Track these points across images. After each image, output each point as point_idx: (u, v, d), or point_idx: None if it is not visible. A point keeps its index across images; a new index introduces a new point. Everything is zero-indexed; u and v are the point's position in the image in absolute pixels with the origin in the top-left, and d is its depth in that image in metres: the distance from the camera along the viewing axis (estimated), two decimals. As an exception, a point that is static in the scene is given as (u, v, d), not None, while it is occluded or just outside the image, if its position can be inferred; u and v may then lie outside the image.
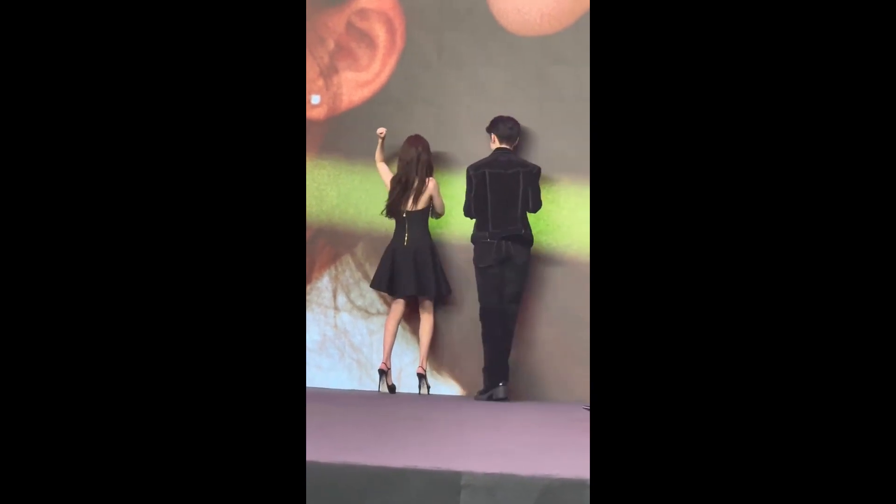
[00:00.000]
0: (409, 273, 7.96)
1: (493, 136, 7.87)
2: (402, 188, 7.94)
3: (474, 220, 7.84)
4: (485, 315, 7.81)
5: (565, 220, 7.96)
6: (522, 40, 8.12)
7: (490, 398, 7.65)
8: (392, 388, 8.06)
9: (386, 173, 8.05)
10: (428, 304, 8.07)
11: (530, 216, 7.80)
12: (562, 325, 7.95)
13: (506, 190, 7.73)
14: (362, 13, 8.40)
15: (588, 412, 7.34)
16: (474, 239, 7.81)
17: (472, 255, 7.93)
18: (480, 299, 7.83)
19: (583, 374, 7.71)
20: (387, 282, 8.02)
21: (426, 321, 8.07)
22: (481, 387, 7.81)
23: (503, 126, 7.82)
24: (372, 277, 8.16)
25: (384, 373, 8.03)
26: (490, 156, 7.84)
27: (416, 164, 7.93)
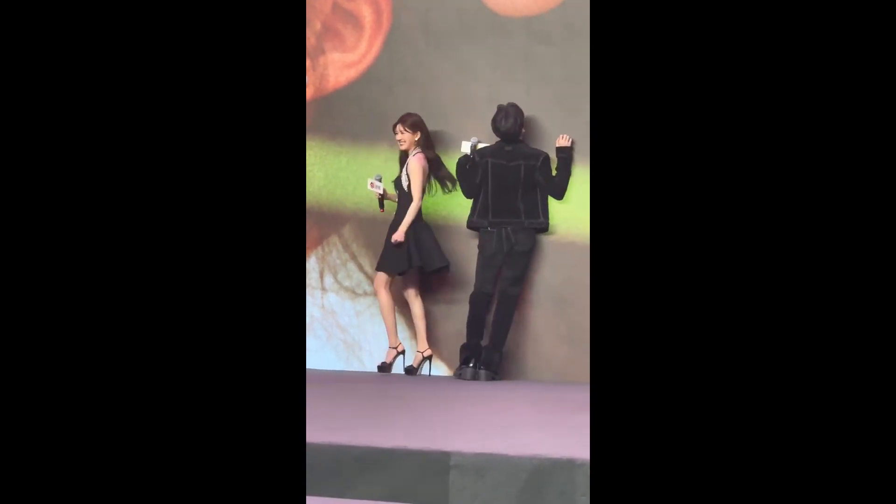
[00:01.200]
0: (433, 247, 7.95)
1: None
2: (437, 167, 7.99)
3: (471, 206, 7.95)
4: (475, 299, 7.85)
5: (552, 200, 7.96)
6: (509, 21, 8.11)
7: (459, 377, 7.74)
8: (386, 367, 8.04)
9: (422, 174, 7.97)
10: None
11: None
12: (550, 306, 7.96)
13: (506, 181, 7.80)
14: (348, -6, 8.39)
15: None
16: (475, 226, 7.92)
17: (456, 235, 7.99)
18: (475, 284, 7.89)
19: (570, 354, 7.74)
20: (409, 260, 7.89)
21: (420, 300, 8.03)
22: (489, 367, 7.84)
23: (493, 124, 7.87)
24: (389, 262, 7.95)
25: (402, 353, 8.04)
26: (496, 144, 7.89)
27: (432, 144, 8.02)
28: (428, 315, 8.12)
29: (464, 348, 7.81)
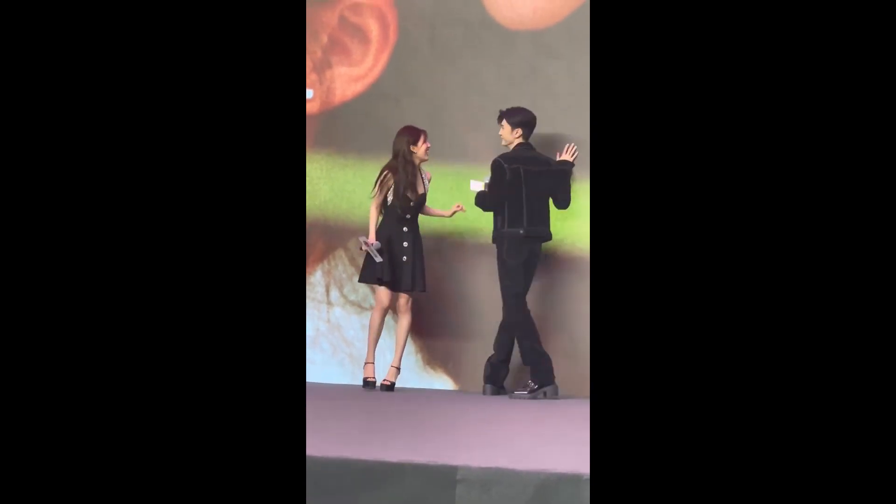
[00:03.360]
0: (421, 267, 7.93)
1: (512, 127, 7.61)
2: None
3: (498, 216, 7.61)
4: (521, 312, 7.63)
5: (557, 213, 7.92)
6: (515, 35, 8.10)
7: (543, 395, 7.45)
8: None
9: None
10: None
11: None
12: (555, 320, 7.94)
13: (538, 188, 7.60)
14: (355, 8, 8.38)
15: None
16: (505, 235, 7.57)
17: (451, 250, 7.95)
18: (511, 296, 7.58)
19: (573, 368, 7.71)
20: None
21: (410, 315, 7.95)
22: (495, 382, 7.68)
23: (520, 117, 7.58)
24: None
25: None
26: (515, 150, 7.60)
27: None
28: (433, 327, 8.10)
29: (535, 366, 7.56)
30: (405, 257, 7.72)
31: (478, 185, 7.68)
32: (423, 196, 7.80)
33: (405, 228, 7.77)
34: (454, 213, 7.83)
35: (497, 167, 7.56)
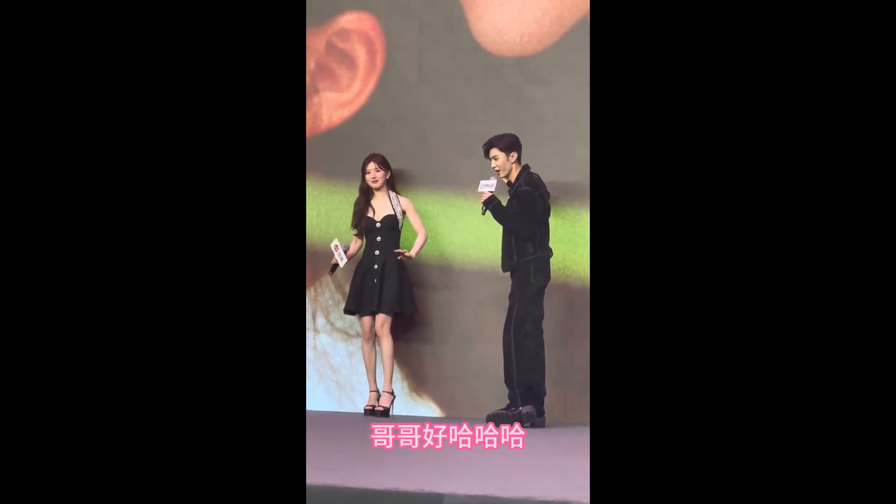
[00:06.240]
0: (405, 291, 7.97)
1: (507, 153, 7.34)
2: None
3: (517, 243, 7.38)
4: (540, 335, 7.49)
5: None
6: (502, 61, 8.11)
7: (521, 414, 7.19)
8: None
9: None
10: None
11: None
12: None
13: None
14: (343, 33, 8.39)
15: None
16: (542, 259, 7.38)
17: (437, 276, 7.95)
18: (539, 328, 7.43)
19: (560, 396, 7.68)
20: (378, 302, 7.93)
21: (391, 339, 7.95)
22: (489, 408, 7.56)
23: (508, 139, 7.40)
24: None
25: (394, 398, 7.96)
26: (527, 176, 7.40)
27: None
28: (419, 354, 8.08)
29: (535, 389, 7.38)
30: (375, 280, 7.81)
31: (488, 185, 7.40)
32: (392, 218, 7.89)
33: (376, 252, 7.89)
34: (400, 255, 7.87)
35: (528, 197, 7.33)
